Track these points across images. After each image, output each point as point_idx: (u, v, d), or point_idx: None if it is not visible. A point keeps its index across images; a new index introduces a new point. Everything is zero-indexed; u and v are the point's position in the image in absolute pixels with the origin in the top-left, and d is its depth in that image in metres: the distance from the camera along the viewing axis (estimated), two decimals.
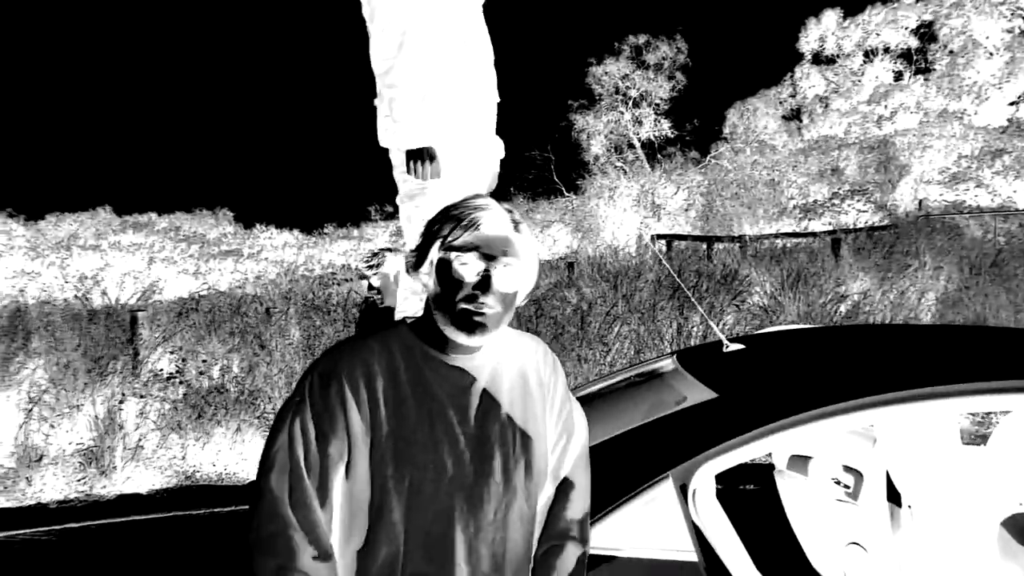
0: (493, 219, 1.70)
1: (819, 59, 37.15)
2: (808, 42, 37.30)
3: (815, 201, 19.18)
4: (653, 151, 27.27)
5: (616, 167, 24.29)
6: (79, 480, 6.84)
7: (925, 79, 34.06)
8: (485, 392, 1.73)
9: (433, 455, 1.65)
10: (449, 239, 1.68)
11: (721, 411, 2.29)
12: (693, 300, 3.47)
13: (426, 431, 1.66)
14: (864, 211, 18.85)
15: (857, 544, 3.79)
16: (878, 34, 36.04)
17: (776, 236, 16.11)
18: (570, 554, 1.80)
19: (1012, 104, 31.62)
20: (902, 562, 3.63)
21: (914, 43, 36.01)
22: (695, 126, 28.61)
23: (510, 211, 1.75)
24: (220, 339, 9.06)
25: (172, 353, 8.93)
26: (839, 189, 19.62)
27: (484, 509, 1.68)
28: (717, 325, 9.80)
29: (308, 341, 8.90)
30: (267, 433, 7.53)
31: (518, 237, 1.72)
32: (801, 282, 11.65)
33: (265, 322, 9.58)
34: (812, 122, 32.54)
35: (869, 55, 36.42)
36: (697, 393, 2.47)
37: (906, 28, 35.93)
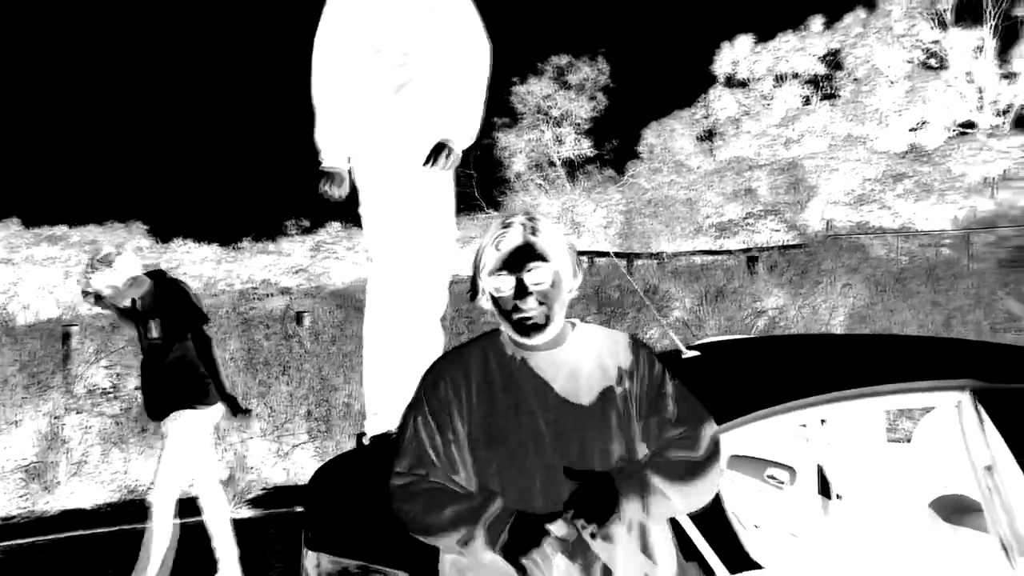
0: (510, 236, 1.94)
1: (732, 82, 38.17)
2: (721, 65, 38.36)
3: (730, 220, 19.87)
4: (573, 169, 27.89)
5: (537, 185, 24.67)
6: (21, 496, 6.80)
7: (831, 104, 35.24)
8: (564, 384, 1.98)
9: (517, 439, 1.92)
10: (486, 268, 1.94)
11: None
12: (655, 312, 3.74)
13: (512, 420, 1.93)
14: (777, 230, 19.58)
15: (792, 534, 4.12)
16: (788, 60, 37.23)
17: (693, 253, 16.65)
18: (671, 448, 1.98)
19: (911, 130, 33.09)
20: (833, 548, 3.96)
21: (821, 70, 37.29)
22: (614, 145, 29.48)
23: (530, 219, 1.98)
24: None
25: (108, 368, 8.89)
26: (753, 209, 20.37)
27: (562, 490, 1.89)
28: (643, 336, 10.22)
29: (249, 355, 8.96)
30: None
31: (538, 240, 1.94)
32: (720, 298, 12.12)
33: None
34: (724, 143, 33.45)
35: (779, 80, 37.60)
36: None
37: (814, 55, 37.21)
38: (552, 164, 29.04)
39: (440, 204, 3.81)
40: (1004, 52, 35.24)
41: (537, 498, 1.91)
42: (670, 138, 28.11)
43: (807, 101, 37.02)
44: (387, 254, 3.71)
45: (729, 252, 16.88)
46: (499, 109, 32.22)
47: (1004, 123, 34.45)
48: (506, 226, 1.97)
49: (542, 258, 1.94)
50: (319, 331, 10.16)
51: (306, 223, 29.03)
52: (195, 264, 24.22)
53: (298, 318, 10.82)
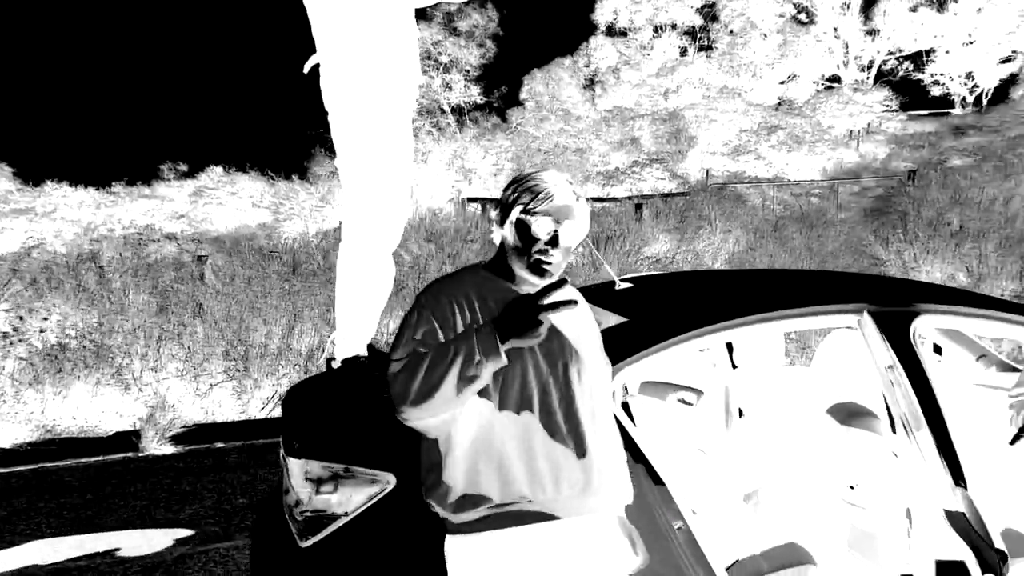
0: (562, 192, 2.29)
1: (612, 31, 38.56)
2: (603, 14, 38.70)
3: (616, 168, 20.47)
4: (462, 116, 27.96)
5: (427, 131, 24.78)
6: None
7: (708, 56, 36.01)
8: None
9: (515, 355, 2.24)
10: (530, 206, 2.27)
11: (633, 331, 2.98)
12: (593, 249, 4.15)
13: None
14: (661, 179, 20.29)
15: (700, 450, 4.64)
16: (667, 11, 37.80)
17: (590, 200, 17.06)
18: None
19: (782, 83, 34.33)
20: (737, 460, 4.50)
21: (699, 21, 38.02)
22: (503, 93, 29.71)
23: (570, 183, 2.33)
24: (64, 297, 9.00)
25: (6, 312, 8.82)
26: (638, 158, 21.04)
27: (553, 397, 2.28)
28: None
29: (162, 298, 9.02)
30: (127, 386, 7.65)
31: (578, 204, 2.30)
32: (610, 243, 12.71)
33: (104, 281, 9.56)
34: (605, 92, 33.98)
35: (658, 30, 38.22)
36: (609, 319, 3.15)
37: (691, 7, 37.90)
38: (442, 111, 29.10)
39: (405, 154, 4.13)
40: (868, 8, 36.67)
41: (534, 417, 2.26)
42: (557, 87, 28.48)
43: (684, 52, 37.71)
44: (363, 198, 4.00)
45: (616, 199, 17.46)
46: None
47: (868, 78, 36.02)
48: (554, 183, 2.29)
49: (578, 221, 2.30)
50: (228, 274, 10.25)
51: (183, 167, 28.27)
52: (72, 208, 23.31)
53: (199, 261, 10.87)
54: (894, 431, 3.29)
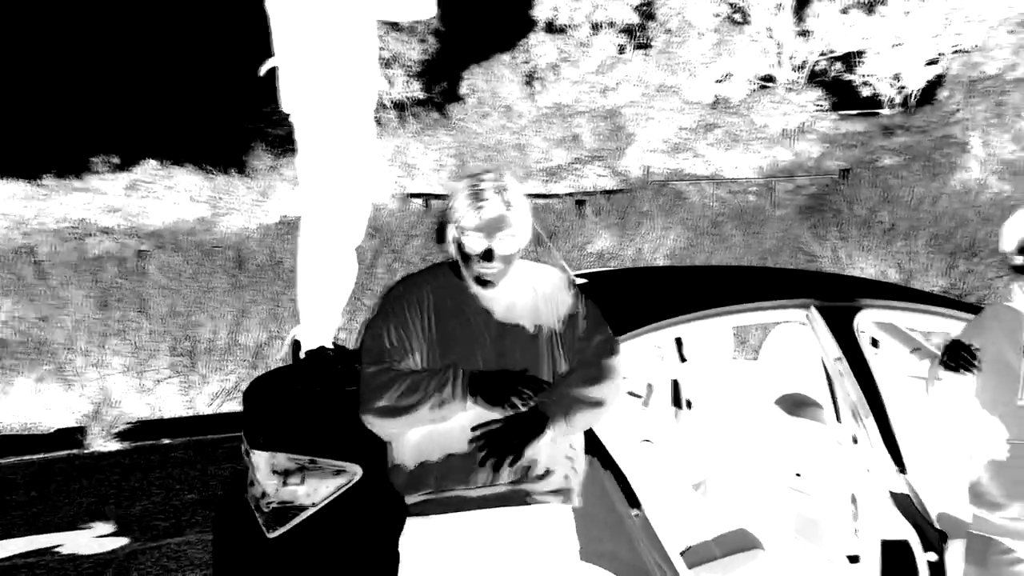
0: (492, 205, 2.33)
1: (552, 28, 38.67)
2: (542, 11, 38.81)
3: (558, 165, 20.65)
4: (404, 111, 27.83)
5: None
6: None
7: (645, 54, 36.34)
8: (502, 310, 2.44)
9: (467, 350, 2.37)
10: (461, 222, 2.35)
11: None
12: (550, 245, 4.26)
13: (461, 335, 2.38)
14: (602, 175, 20.53)
15: (648, 440, 4.80)
16: (605, 8, 38.05)
17: (527, 196, 17.17)
18: (588, 361, 2.45)
19: (718, 82, 34.86)
20: (686, 451, 4.67)
21: (636, 20, 38.33)
22: (444, 88, 29.60)
23: (504, 189, 2.37)
24: (2, 291, 8.84)
25: None
26: (579, 155, 21.25)
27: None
28: None
29: (104, 294, 8.91)
30: (69, 383, 7.55)
31: (511, 213, 2.35)
32: (553, 239, 12.85)
33: (42, 276, 9.42)
34: (545, 89, 34.13)
35: (596, 28, 38.46)
36: None
37: (629, 4, 38.21)
38: (384, 106, 28.98)
39: (368, 153, 4.19)
40: (800, 10, 37.37)
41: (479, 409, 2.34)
42: (499, 83, 28.59)
43: (622, 50, 38.02)
44: (325, 197, 4.04)
45: (558, 196, 17.63)
46: None
47: (800, 78, 36.74)
48: (484, 198, 2.33)
49: (512, 230, 2.35)
50: (173, 270, 10.17)
51: (116, 160, 27.76)
52: (2, 201, 22.82)
53: (140, 255, 10.77)
54: (839, 420, 3.47)
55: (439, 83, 29.23)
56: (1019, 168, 18.04)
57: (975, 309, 3.65)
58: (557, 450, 2.38)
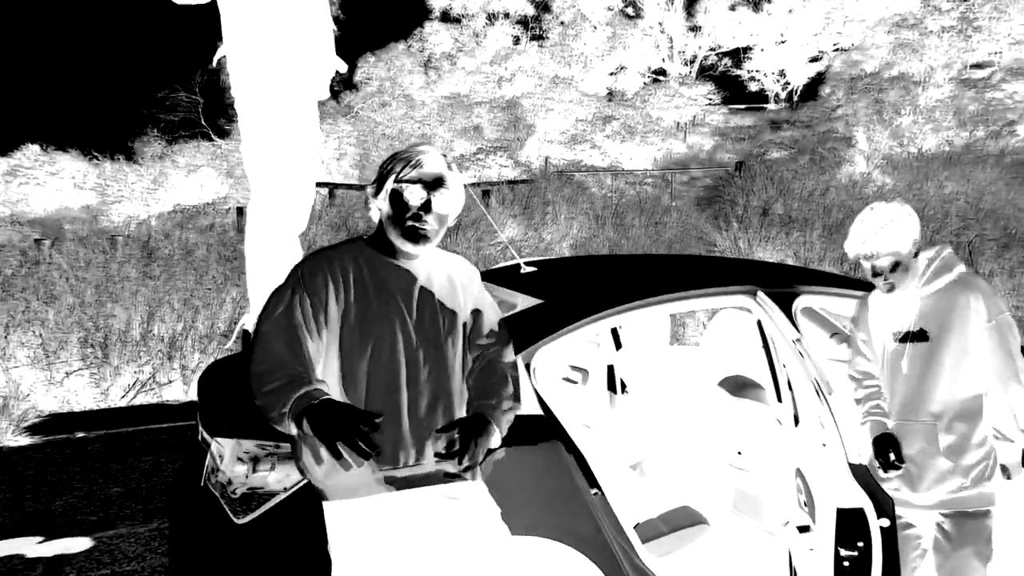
0: (431, 159, 2.42)
1: (447, 17, 38.55)
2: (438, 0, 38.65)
3: (461, 155, 20.71)
4: None
5: None
6: None
7: (540, 46, 36.59)
8: (422, 287, 2.47)
9: (388, 327, 2.37)
10: (400, 174, 2.39)
11: (548, 312, 3.21)
12: (499, 231, 4.36)
13: (382, 311, 2.38)
14: (505, 166, 20.67)
15: (586, 425, 4.95)
16: None
17: None
18: (499, 366, 2.53)
19: (611, 75, 35.45)
20: (621, 433, 4.84)
21: (531, 11, 38.59)
22: (344, 76, 28.91)
23: (444, 155, 2.48)
24: None
25: None
26: (481, 145, 21.35)
27: (422, 368, 2.40)
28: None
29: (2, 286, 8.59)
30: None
31: (450, 174, 2.44)
32: (461, 229, 12.94)
33: None
34: (440, 79, 34.06)
35: (491, 18, 38.56)
36: (524, 301, 3.37)
37: None
38: None
39: (311, 141, 4.21)
40: (691, 5, 38.29)
41: (402, 386, 2.36)
42: (398, 72, 28.42)
43: (517, 41, 38.18)
44: (268, 184, 4.05)
45: (465, 185, 17.63)
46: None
47: (691, 71, 37.69)
48: (423, 152, 2.42)
49: (449, 189, 2.42)
50: (78, 259, 9.84)
51: None
52: None
53: (38, 244, 10.39)
54: (779, 400, 3.67)
55: (339, 71, 28.64)
56: (899, 162, 19.01)
57: None
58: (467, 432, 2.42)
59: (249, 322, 4.16)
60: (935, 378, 3.04)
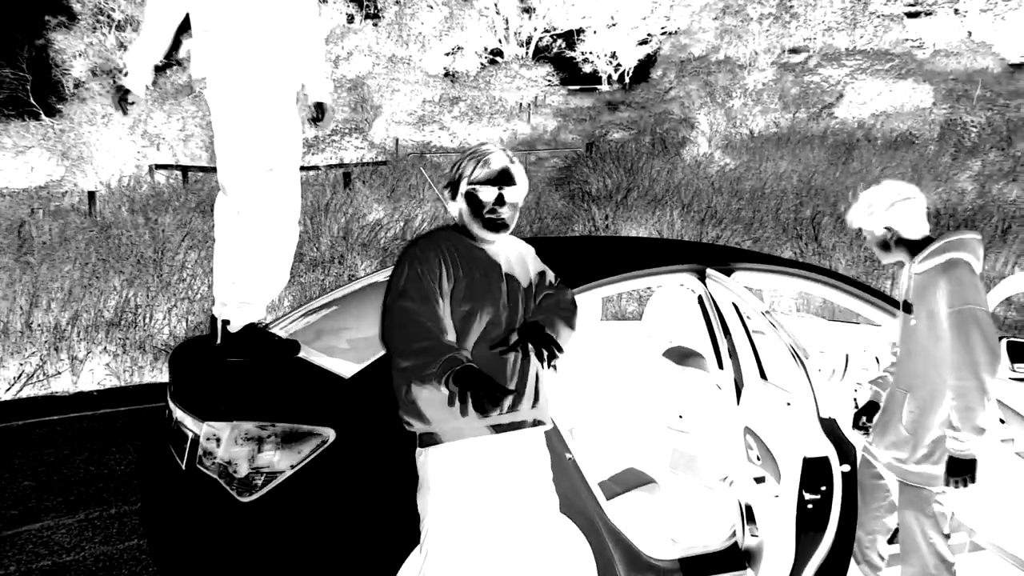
0: (496, 158, 2.76)
1: None
2: None
3: (316, 136, 20.42)
4: None
5: (99, 93, 22.99)
6: None
7: (375, 24, 36.23)
8: (504, 264, 2.84)
9: (490, 298, 2.75)
10: (472, 176, 2.75)
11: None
12: (448, 209, 4.55)
13: (484, 284, 2.75)
14: (361, 147, 20.56)
15: None
16: None
17: None
18: (560, 298, 2.93)
19: (448, 55, 35.63)
20: (554, 407, 5.16)
21: None
22: (187, 56, 27.83)
23: (504, 149, 2.80)
24: None
25: None
26: (336, 126, 21.12)
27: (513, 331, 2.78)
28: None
29: None
30: None
31: (513, 167, 2.79)
32: (327, 211, 12.88)
33: None
34: None
35: None
36: None
37: None
38: (118, 70, 26.99)
39: (293, 117, 4.24)
40: None
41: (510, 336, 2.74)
42: None
43: (351, 19, 37.67)
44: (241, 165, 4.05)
45: (317, 168, 17.51)
46: (54, 7, 28.99)
47: (527, 53, 38.37)
48: (489, 151, 2.77)
49: (516, 182, 2.78)
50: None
51: None
52: None
53: None
54: (721, 368, 4.09)
55: (176, 48, 27.68)
56: (737, 143, 20.21)
57: (824, 271, 4.41)
58: (540, 380, 2.86)
59: (225, 313, 4.20)
60: (912, 354, 3.45)
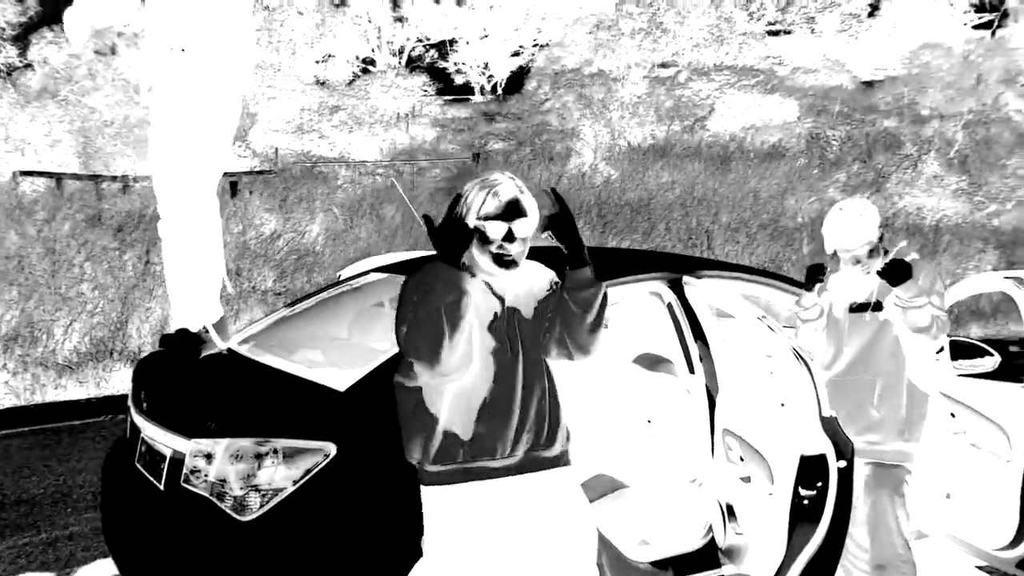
0: (505, 189, 2.62)
1: None
2: None
3: None
4: (4, 80, 24.43)
5: None
6: None
7: None
8: (514, 298, 2.72)
9: (496, 334, 2.63)
10: (480, 211, 2.60)
11: None
12: (421, 223, 4.51)
13: (487, 319, 2.63)
14: (244, 156, 20.00)
15: None
16: None
17: None
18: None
19: (319, 63, 35.04)
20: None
21: None
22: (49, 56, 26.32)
23: (512, 178, 2.69)
24: None
25: None
26: None
27: (519, 371, 2.66)
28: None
29: None
30: None
31: (523, 197, 2.65)
32: (228, 220, 12.54)
33: None
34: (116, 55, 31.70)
35: None
36: None
37: None
38: None
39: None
40: None
41: (514, 385, 2.63)
42: (109, 53, 26.35)
43: None
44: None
45: None
46: None
47: (400, 63, 38.16)
48: (497, 183, 2.63)
49: (526, 213, 2.62)
50: None
51: None
52: None
53: None
54: (692, 372, 4.22)
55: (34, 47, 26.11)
56: (619, 155, 20.69)
57: (785, 279, 4.60)
58: (557, 416, 2.73)
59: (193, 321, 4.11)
60: (880, 344, 3.75)
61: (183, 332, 4.09)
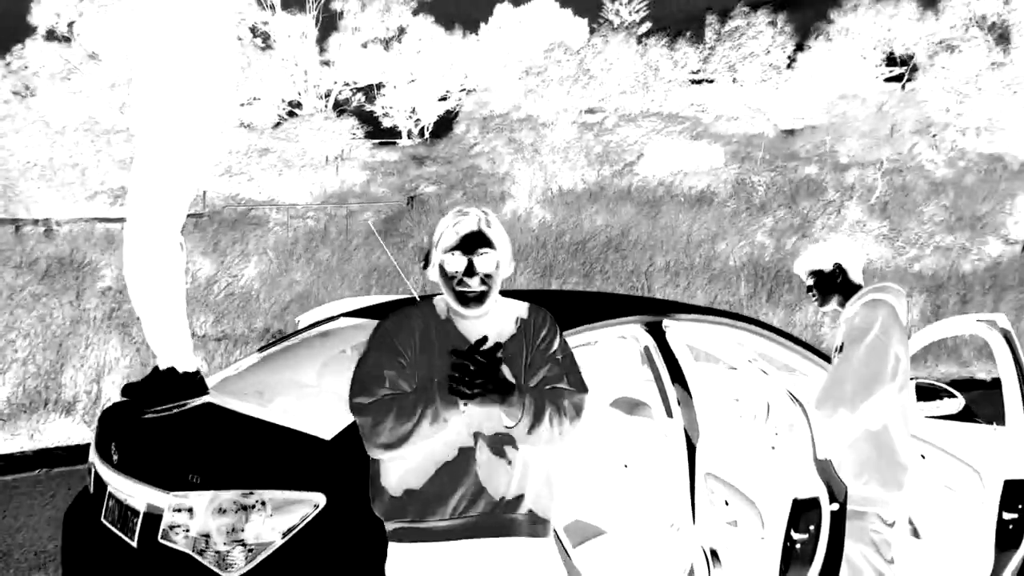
0: (466, 223, 2.46)
1: (53, 36, 35.37)
2: (41, 17, 35.23)
3: (122, 187, 19.25)
4: None
5: None
6: None
7: None
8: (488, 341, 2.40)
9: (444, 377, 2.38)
10: (440, 245, 2.47)
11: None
12: (393, 261, 4.46)
13: (439, 363, 2.39)
14: None
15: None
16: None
17: (89, 220, 15.98)
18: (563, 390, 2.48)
19: (243, 105, 34.73)
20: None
21: None
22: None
23: (484, 212, 2.52)
24: None
25: None
26: None
27: (484, 422, 2.40)
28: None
29: None
30: None
31: (489, 230, 2.43)
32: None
33: None
34: (68, 99, 30.99)
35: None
36: None
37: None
38: None
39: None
40: (323, 39, 38.77)
41: (463, 430, 2.40)
42: (30, 91, 25.75)
43: None
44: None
45: (122, 220, 16.52)
46: None
47: (327, 105, 38.11)
48: (464, 214, 2.46)
49: (490, 246, 2.42)
50: None
51: None
52: None
53: None
54: (670, 416, 4.21)
55: None
56: (553, 198, 20.90)
57: (756, 322, 4.63)
58: (527, 478, 2.46)
59: (173, 362, 3.95)
60: (840, 385, 3.71)
61: (171, 372, 3.93)
